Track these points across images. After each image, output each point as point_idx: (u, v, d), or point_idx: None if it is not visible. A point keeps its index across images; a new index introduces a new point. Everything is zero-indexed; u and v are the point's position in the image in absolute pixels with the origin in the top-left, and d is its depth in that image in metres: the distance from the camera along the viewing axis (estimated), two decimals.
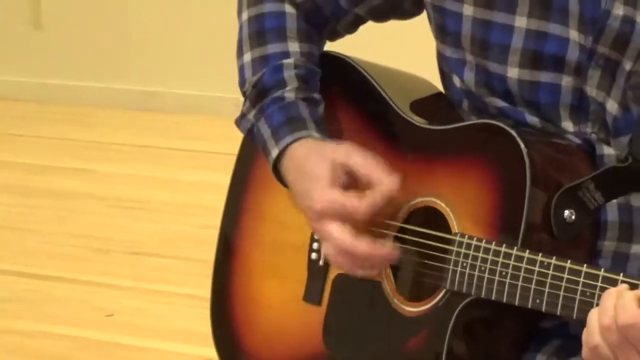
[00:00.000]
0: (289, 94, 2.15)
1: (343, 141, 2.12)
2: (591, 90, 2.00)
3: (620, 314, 1.72)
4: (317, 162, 2.07)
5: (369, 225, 2.06)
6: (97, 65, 8.60)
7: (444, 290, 1.98)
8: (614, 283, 1.80)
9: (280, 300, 2.20)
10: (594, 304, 1.80)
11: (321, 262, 2.13)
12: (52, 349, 3.68)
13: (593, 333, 1.76)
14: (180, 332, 3.72)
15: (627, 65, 1.98)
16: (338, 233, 2.02)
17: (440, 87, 2.22)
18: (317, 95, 2.18)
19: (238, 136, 2.29)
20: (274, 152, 2.11)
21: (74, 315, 4.03)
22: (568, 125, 2.01)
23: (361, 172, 2.03)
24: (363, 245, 1.99)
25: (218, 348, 2.31)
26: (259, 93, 2.17)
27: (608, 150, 1.99)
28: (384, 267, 2.05)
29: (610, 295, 1.73)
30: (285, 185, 2.14)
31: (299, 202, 2.09)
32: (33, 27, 8.83)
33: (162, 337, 3.76)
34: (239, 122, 2.21)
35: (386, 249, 2.02)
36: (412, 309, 2.03)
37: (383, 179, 2.00)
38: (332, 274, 2.13)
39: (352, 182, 2.04)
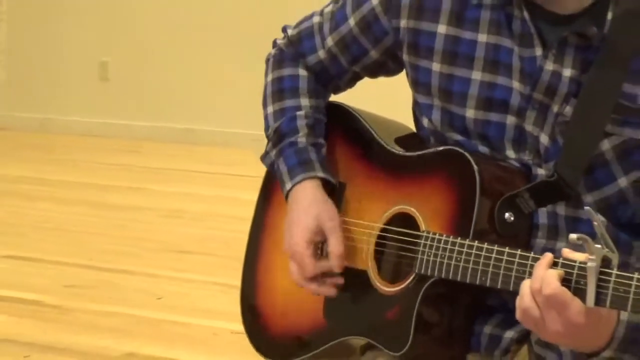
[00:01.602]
0: (301, 139, 2.20)
1: (342, 173, 2.19)
2: (528, 127, 2.00)
3: (544, 287, 1.73)
4: (310, 212, 2.15)
5: (357, 228, 2.13)
6: (148, 108, 8.57)
7: (413, 274, 1.98)
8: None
9: (292, 287, 2.19)
10: (525, 278, 1.80)
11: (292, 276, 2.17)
12: (116, 324, 3.67)
13: (525, 297, 1.76)
14: (214, 311, 3.69)
15: (555, 108, 1.99)
16: (294, 267, 2.12)
17: (413, 129, 2.22)
18: (321, 140, 2.22)
19: (253, 162, 2.33)
20: (288, 186, 2.17)
21: (132, 298, 4.02)
22: (510, 153, 2.02)
23: (328, 236, 2.12)
24: (312, 286, 2.14)
25: (244, 322, 2.32)
26: (278, 137, 2.21)
27: (541, 172, 1.99)
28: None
29: (540, 266, 1.74)
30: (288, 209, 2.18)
31: (285, 226, 2.15)
32: (100, 80, 8.78)
33: (199, 315, 3.74)
34: (263, 158, 2.27)
35: (325, 289, 2.14)
36: (389, 289, 2.04)
37: (334, 258, 2.11)
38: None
39: (321, 242, 2.14)
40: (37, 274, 4.31)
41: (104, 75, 8.80)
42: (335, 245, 2.11)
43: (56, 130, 8.78)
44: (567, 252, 1.75)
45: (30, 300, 3.92)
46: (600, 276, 1.70)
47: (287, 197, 2.17)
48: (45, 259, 4.57)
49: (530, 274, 1.79)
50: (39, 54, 8.99)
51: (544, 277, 1.74)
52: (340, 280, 2.11)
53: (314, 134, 2.20)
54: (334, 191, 2.17)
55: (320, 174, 2.15)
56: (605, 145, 1.97)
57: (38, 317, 3.73)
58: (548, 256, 1.74)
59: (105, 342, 3.49)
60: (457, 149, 2.00)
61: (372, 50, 2.19)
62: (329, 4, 2.25)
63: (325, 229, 2.12)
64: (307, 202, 2.14)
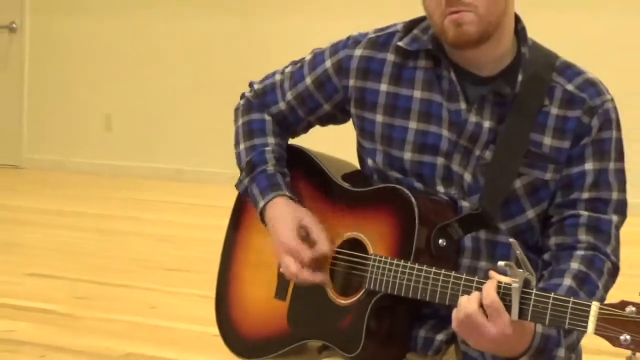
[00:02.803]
0: (270, 168, 2.17)
1: (303, 204, 2.14)
2: (455, 167, 2.00)
3: (484, 297, 1.74)
4: (287, 214, 2.10)
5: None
6: (144, 153, 8.57)
7: (364, 290, 1.97)
8: (470, 282, 1.80)
9: (259, 297, 2.18)
10: (459, 295, 1.80)
11: (286, 276, 2.12)
12: (117, 329, 3.65)
13: (461, 310, 1.77)
14: (197, 318, 3.69)
15: (477, 152, 1.99)
16: (292, 264, 2.05)
17: (357, 166, 2.22)
18: (286, 170, 2.19)
19: (229, 195, 2.32)
20: (261, 204, 2.13)
21: (130, 307, 3.99)
22: (440, 188, 2.01)
23: (312, 232, 2.06)
24: (305, 273, 2.05)
25: (219, 328, 2.29)
26: (250, 168, 2.19)
27: (465, 204, 1.99)
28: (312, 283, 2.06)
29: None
30: (265, 224, 2.15)
31: (272, 235, 2.11)
32: (105, 130, 8.77)
33: (186, 321, 3.73)
34: (237, 185, 2.24)
35: (319, 277, 2.06)
36: (343, 301, 2.02)
37: (323, 244, 2.06)
38: (292, 280, 2.12)
39: (305, 235, 2.07)
40: (52, 288, 4.28)
41: (108, 126, 8.79)
42: (319, 233, 2.06)
43: (69, 170, 8.76)
44: (494, 275, 1.75)
45: (46, 310, 3.89)
46: (523, 295, 1.70)
47: (261, 214, 2.13)
48: (59, 275, 4.55)
49: (464, 292, 1.80)
50: (54, 108, 8.97)
51: (485, 288, 1.74)
52: (327, 269, 2.06)
53: (279, 165, 2.19)
54: None
55: (288, 194, 2.13)
56: (517, 183, 1.97)
57: (53, 324, 3.70)
58: (491, 281, 1.75)
59: (108, 344, 3.46)
60: (398, 186, 2.00)
61: (325, 104, 2.19)
62: (288, 65, 2.26)
63: (305, 223, 2.07)
64: (282, 210, 2.11)
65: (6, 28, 9.10)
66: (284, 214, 2.09)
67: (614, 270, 1.97)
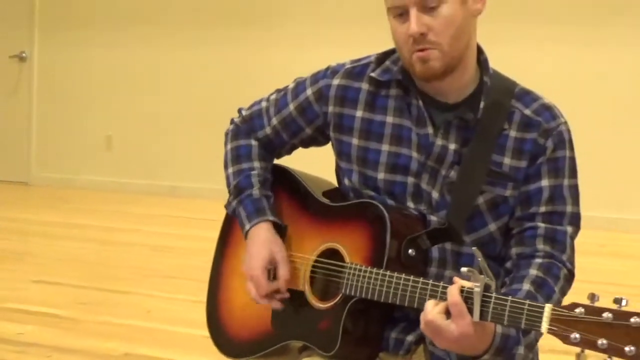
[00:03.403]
0: (255, 191, 2.18)
1: (287, 218, 2.16)
2: (424, 186, 2.00)
3: (449, 297, 1.74)
4: (263, 248, 2.12)
5: (297, 259, 2.11)
6: (142, 171, 8.55)
7: (341, 295, 1.97)
8: (436, 288, 1.80)
9: (246, 303, 2.17)
10: (426, 300, 1.80)
11: (270, 281, 2.12)
12: (116, 331, 3.64)
13: (428, 313, 1.77)
14: (189, 321, 3.68)
15: (443, 172, 1.99)
16: (251, 287, 2.10)
17: (336, 184, 2.22)
18: (270, 193, 2.20)
19: (220, 210, 2.32)
20: (247, 227, 2.15)
21: (129, 312, 3.97)
22: (410, 204, 2.01)
23: (278, 264, 2.11)
24: (264, 301, 2.11)
25: (210, 330, 2.29)
26: (238, 191, 2.20)
27: (433, 218, 1.99)
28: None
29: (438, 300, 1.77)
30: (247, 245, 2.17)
31: (246, 256, 2.14)
32: (106, 150, 8.74)
33: (179, 324, 3.72)
34: (226, 206, 2.25)
35: (274, 304, 2.11)
36: (322, 305, 2.02)
37: (281, 280, 2.10)
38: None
39: (272, 268, 2.11)
40: (57, 294, 4.26)
41: (108, 146, 8.77)
42: (283, 272, 2.09)
43: (74, 186, 8.74)
44: (458, 280, 1.75)
45: (52, 314, 3.87)
46: (483, 298, 1.70)
47: (246, 235, 2.14)
48: (63, 282, 4.53)
49: (431, 297, 1.80)
50: (60, 130, 8.95)
51: (450, 290, 1.74)
52: (286, 296, 2.09)
53: (264, 187, 2.18)
54: (281, 231, 2.14)
55: (271, 218, 2.13)
56: (480, 200, 1.97)
57: (58, 327, 3.68)
58: (455, 285, 1.76)
59: (108, 345, 3.45)
60: (372, 201, 2.00)
61: (306, 128, 2.19)
62: (273, 93, 2.27)
63: (277, 259, 2.09)
64: (262, 239, 2.11)
65: (17, 57, 9.11)
66: (262, 244, 2.11)
67: (570, 276, 1.98)
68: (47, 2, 9.01)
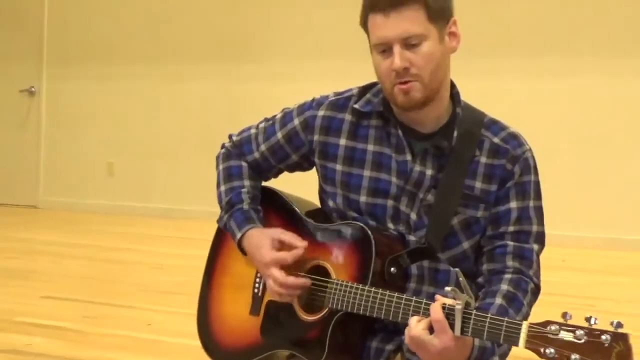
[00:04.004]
0: (245, 206, 2.16)
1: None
2: (402, 208, 2.00)
3: (432, 314, 1.74)
4: (263, 238, 2.07)
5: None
6: (141, 195, 8.52)
7: (327, 308, 1.96)
8: (419, 304, 1.80)
9: (236, 314, 2.17)
10: (409, 315, 1.80)
11: (259, 294, 2.11)
12: (119, 343, 3.59)
13: (413, 328, 1.76)
14: (186, 332, 3.63)
15: (421, 195, 1.99)
16: (277, 273, 2.02)
17: (319, 205, 2.22)
18: (259, 207, 2.19)
19: (213, 231, 2.29)
20: (239, 235, 2.12)
21: (130, 324, 3.94)
22: (390, 225, 2.01)
23: (286, 240, 2.02)
24: (290, 279, 2.01)
25: (202, 341, 2.28)
26: (229, 206, 2.18)
27: (411, 238, 1.99)
28: (298, 294, 2.02)
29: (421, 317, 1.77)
30: (244, 253, 2.14)
31: (255, 260, 2.11)
32: (108, 175, 8.72)
33: (176, 335, 3.68)
34: (218, 221, 2.24)
35: (302, 280, 2.02)
36: (309, 318, 2.02)
37: (298, 243, 2.02)
38: (265, 300, 2.12)
39: (281, 246, 2.04)
40: (64, 309, 4.22)
41: (110, 172, 8.74)
42: (290, 238, 2.04)
43: (78, 209, 8.70)
44: (440, 298, 1.75)
45: (59, 327, 3.83)
46: (464, 315, 1.70)
47: (239, 244, 2.12)
48: (70, 298, 4.48)
49: (414, 312, 1.80)
50: (66, 157, 8.92)
51: (433, 307, 1.74)
52: (308, 283, 2.02)
53: (254, 203, 2.18)
54: None
55: (259, 225, 2.12)
56: (454, 220, 1.97)
57: (64, 339, 3.64)
58: (438, 302, 1.75)
59: (111, 355, 3.41)
60: (358, 223, 1.99)
61: (293, 155, 2.18)
62: (262, 121, 2.27)
63: (278, 237, 2.05)
64: (257, 236, 2.09)
65: (27, 91, 9.09)
66: (259, 239, 2.08)
67: (536, 290, 1.99)
68: (54, 41, 9.01)
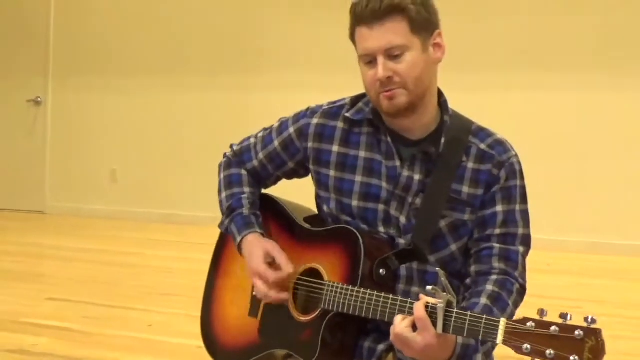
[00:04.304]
0: (245, 211, 2.16)
1: (272, 240, 2.13)
2: (392, 212, 2.00)
3: (416, 312, 1.74)
4: (259, 248, 2.07)
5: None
6: (143, 199, 8.52)
7: (320, 309, 1.96)
8: (404, 303, 1.81)
9: (236, 315, 2.17)
10: (395, 314, 1.79)
11: (258, 296, 2.11)
12: (121, 343, 3.59)
13: (397, 326, 1.76)
14: (185, 333, 3.64)
15: (410, 200, 1.99)
16: (261, 285, 2.03)
17: (316, 211, 2.21)
18: (258, 213, 2.18)
19: (212, 235, 2.29)
20: (239, 239, 2.12)
21: (130, 325, 3.94)
22: (381, 229, 2.01)
23: (277, 259, 2.05)
24: (271, 293, 2.04)
25: (204, 340, 2.27)
26: (230, 211, 2.18)
27: (401, 241, 1.99)
28: (279, 301, 2.05)
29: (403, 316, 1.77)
30: (243, 256, 2.14)
31: (248, 264, 2.11)
32: (111, 182, 8.71)
33: (176, 336, 3.68)
34: (220, 225, 2.23)
35: (282, 296, 2.06)
36: (303, 318, 2.02)
37: (284, 267, 2.04)
38: (264, 302, 2.11)
39: (272, 261, 2.06)
40: (68, 310, 4.22)
41: (113, 179, 8.74)
42: (282, 260, 2.04)
43: (83, 214, 8.70)
44: (424, 297, 1.75)
45: (64, 327, 3.83)
46: (446, 313, 1.70)
47: (239, 247, 2.13)
48: (74, 300, 4.48)
49: (399, 311, 1.79)
50: (72, 165, 8.92)
51: (416, 306, 1.74)
52: (290, 289, 2.05)
53: (253, 208, 2.18)
54: None
55: (259, 230, 2.13)
56: (442, 224, 1.97)
57: (69, 339, 3.64)
58: (421, 301, 1.75)
59: (114, 355, 3.41)
60: (348, 227, 1.99)
61: (289, 162, 2.19)
62: (260, 131, 2.28)
63: (271, 253, 2.05)
64: (254, 243, 2.09)
65: (33, 101, 9.11)
66: (255, 246, 2.09)
67: (522, 290, 1.98)
68: (60, 53, 9.02)
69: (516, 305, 1.95)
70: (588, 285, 5.41)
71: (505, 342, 1.62)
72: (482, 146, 2.00)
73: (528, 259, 2.02)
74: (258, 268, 2.05)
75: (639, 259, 6.47)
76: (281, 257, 2.05)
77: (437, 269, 1.78)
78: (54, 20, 9.07)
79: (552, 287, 5.02)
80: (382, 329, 1.96)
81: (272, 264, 2.05)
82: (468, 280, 1.99)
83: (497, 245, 1.97)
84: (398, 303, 1.81)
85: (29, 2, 9.16)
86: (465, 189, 1.97)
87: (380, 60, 1.91)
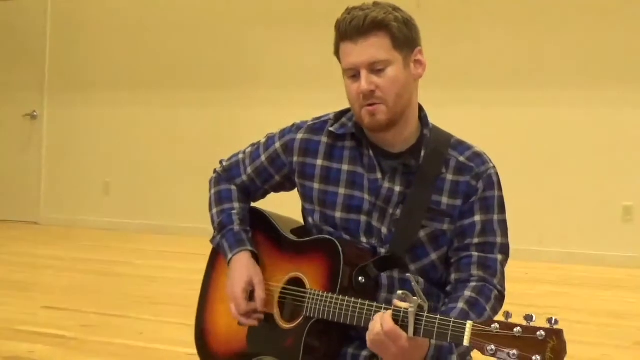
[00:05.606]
0: (236, 227, 2.17)
1: (260, 251, 2.15)
2: (374, 223, 2.01)
3: (384, 325, 1.75)
4: (243, 273, 2.10)
5: (268, 287, 2.10)
6: (135, 211, 8.50)
7: (302, 316, 1.96)
8: (380, 309, 1.83)
9: (227, 324, 2.17)
10: (371, 319, 1.81)
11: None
12: (114, 350, 3.59)
13: (371, 333, 1.77)
14: (176, 341, 3.64)
15: (391, 211, 2.00)
16: (234, 310, 2.09)
17: (302, 223, 2.21)
18: (248, 228, 2.19)
19: (203, 246, 2.30)
20: (230, 256, 2.15)
21: (122, 332, 3.93)
22: (363, 239, 2.02)
23: (255, 290, 2.08)
24: (241, 319, 2.09)
25: (197, 347, 2.27)
26: (221, 227, 2.19)
27: (382, 251, 2.00)
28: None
29: (383, 316, 1.76)
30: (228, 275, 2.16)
31: (228, 280, 2.15)
32: (104, 194, 8.71)
33: (167, 343, 3.68)
34: (212, 241, 2.25)
35: (251, 322, 2.10)
36: (287, 325, 2.02)
37: (259, 301, 2.08)
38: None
39: (252, 289, 2.09)
40: (63, 318, 4.21)
41: (106, 191, 8.73)
42: (259, 293, 2.06)
43: (77, 225, 8.68)
44: (397, 302, 1.76)
45: (59, 335, 3.82)
46: (417, 317, 1.71)
47: (229, 263, 2.13)
48: (68, 308, 4.47)
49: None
50: (66, 177, 8.91)
51: (384, 318, 1.74)
52: (261, 317, 2.07)
53: (243, 224, 2.18)
54: (257, 259, 2.14)
55: (250, 248, 2.13)
56: (422, 233, 1.98)
57: (64, 346, 3.63)
58: (388, 312, 1.75)
59: None
60: (329, 237, 2.00)
61: (276, 176, 2.19)
62: (248, 147, 2.28)
63: (254, 282, 2.07)
64: (242, 266, 2.09)
65: (29, 116, 9.12)
66: (240, 271, 2.11)
67: (500, 297, 1.99)
68: (55, 68, 9.03)
69: (494, 311, 1.95)
70: (563, 294, 5.44)
71: (472, 344, 1.63)
72: (461, 158, 2.01)
73: (507, 268, 2.03)
74: (235, 294, 2.08)
75: (611, 268, 6.52)
76: (260, 291, 2.07)
77: (407, 274, 1.80)
78: (50, 36, 9.08)
79: (528, 295, 5.04)
80: (364, 336, 1.96)
81: (251, 292, 2.08)
82: (448, 288, 2.00)
83: (476, 254, 1.97)
84: (374, 309, 1.82)
85: (25, 19, 9.17)
86: (445, 200, 1.98)
87: (364, 73, 1.92)
